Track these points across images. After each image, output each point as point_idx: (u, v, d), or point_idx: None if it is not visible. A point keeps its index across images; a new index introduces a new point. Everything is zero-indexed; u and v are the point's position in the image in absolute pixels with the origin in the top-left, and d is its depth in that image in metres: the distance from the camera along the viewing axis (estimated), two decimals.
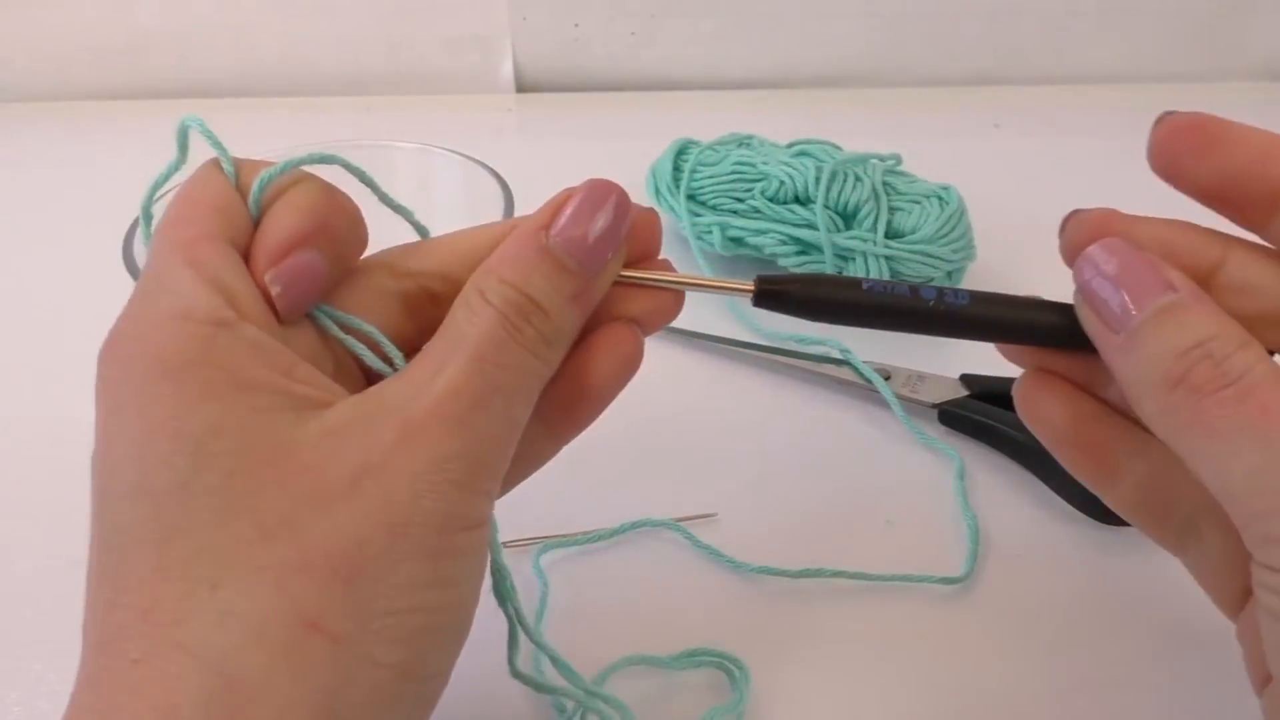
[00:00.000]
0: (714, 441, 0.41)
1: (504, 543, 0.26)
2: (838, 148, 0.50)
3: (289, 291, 0.23)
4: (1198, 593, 0.33)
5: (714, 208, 0.49)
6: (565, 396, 0.25)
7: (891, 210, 0.45)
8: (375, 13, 0.72)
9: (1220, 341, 0.22)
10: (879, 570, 0.34)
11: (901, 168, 0.49)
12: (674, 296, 0.26)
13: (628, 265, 0.26)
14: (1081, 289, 0.24)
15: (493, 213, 0.37)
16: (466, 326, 0.23)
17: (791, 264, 0.47)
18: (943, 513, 0.37)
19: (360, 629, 0.20)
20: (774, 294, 0.25)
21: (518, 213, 0.37)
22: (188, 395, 0.21)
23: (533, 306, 0.23)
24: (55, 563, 0.35)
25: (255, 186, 0.24)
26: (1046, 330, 0.26)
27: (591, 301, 0.25)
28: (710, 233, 0.48)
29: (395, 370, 0.24)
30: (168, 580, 0.20)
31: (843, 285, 0.25)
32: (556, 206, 0.25)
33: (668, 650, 0.31)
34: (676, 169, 0.51)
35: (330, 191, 0.25)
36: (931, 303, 0.25)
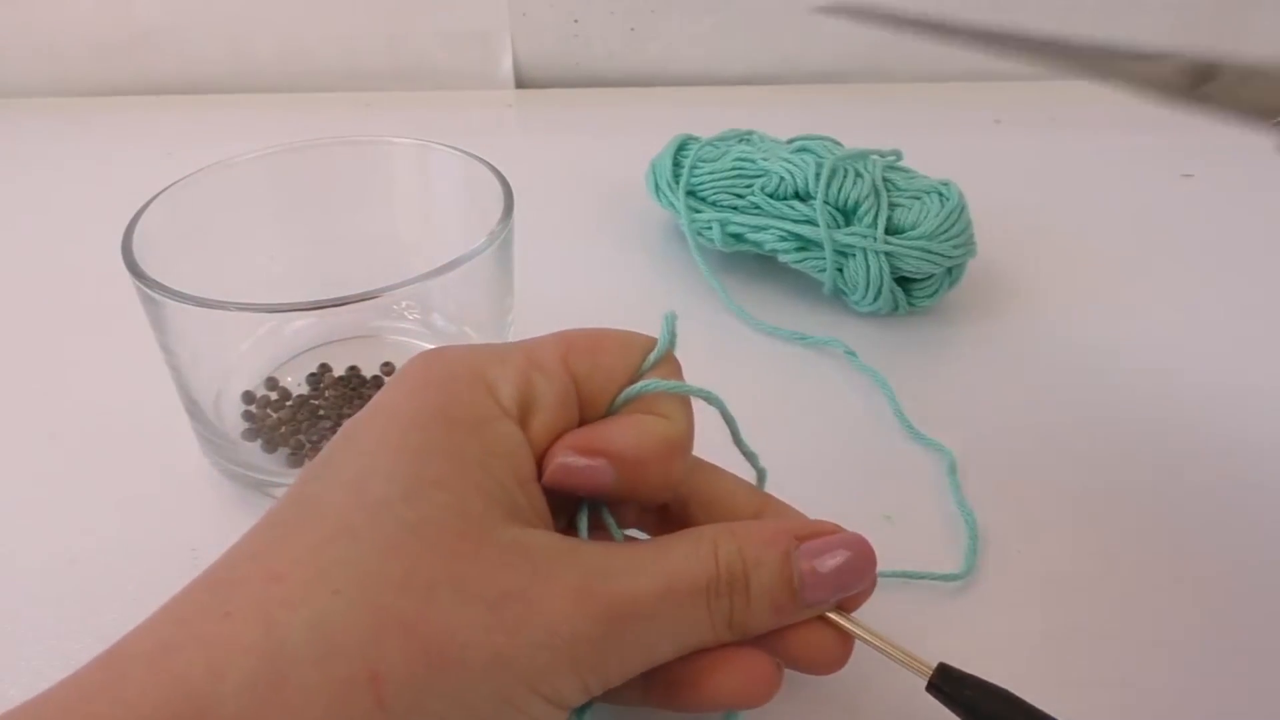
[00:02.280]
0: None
1: None
2: (838, 143, 0.50)
3: (557, 473, 0.25)
4: (1200, 589, 0.33)
5: (714, 204, 0.49)
6: (679, 680, 0.25)
7: (892, 206, 0.45)
8: (374, 8, 0.71)
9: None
10: (880, 567, 0.34)
11: (902, 163, 0.49)
12: (835, 657, 0.26)
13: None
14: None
15: (492, 209, 0.37)
16: (683, 559, 0.24)
17: (791, 260, 0.47)
18: (942, 508, 0.37)
19: (408, 712, 0.21)
20: (947, 689, 0.25)
21: (517, 210, 0.37)
22: (445, 443, 0.23)
23: (743, 588, 0.24)
24: (54, 560, 0.35)
25: (634, 387, 0.26)
26: None
27: (788, 620, 0.26)
28: (710, 229, 0.48)
29: None
30: (307, 567, 0.21)
31: (1023, 712, 0.25)
32: (823, 531, 0.26)
33: None
34: (676, 165, 0.51)
35: (675, 447, 0.26)
36: None
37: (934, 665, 0.26)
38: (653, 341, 0.27)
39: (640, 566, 0.24)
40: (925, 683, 0.26)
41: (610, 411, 0.26)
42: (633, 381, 0.26)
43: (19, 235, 0.56)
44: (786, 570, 0.25)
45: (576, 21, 0.73)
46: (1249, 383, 0.43)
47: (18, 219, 0.58)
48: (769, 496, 0.29)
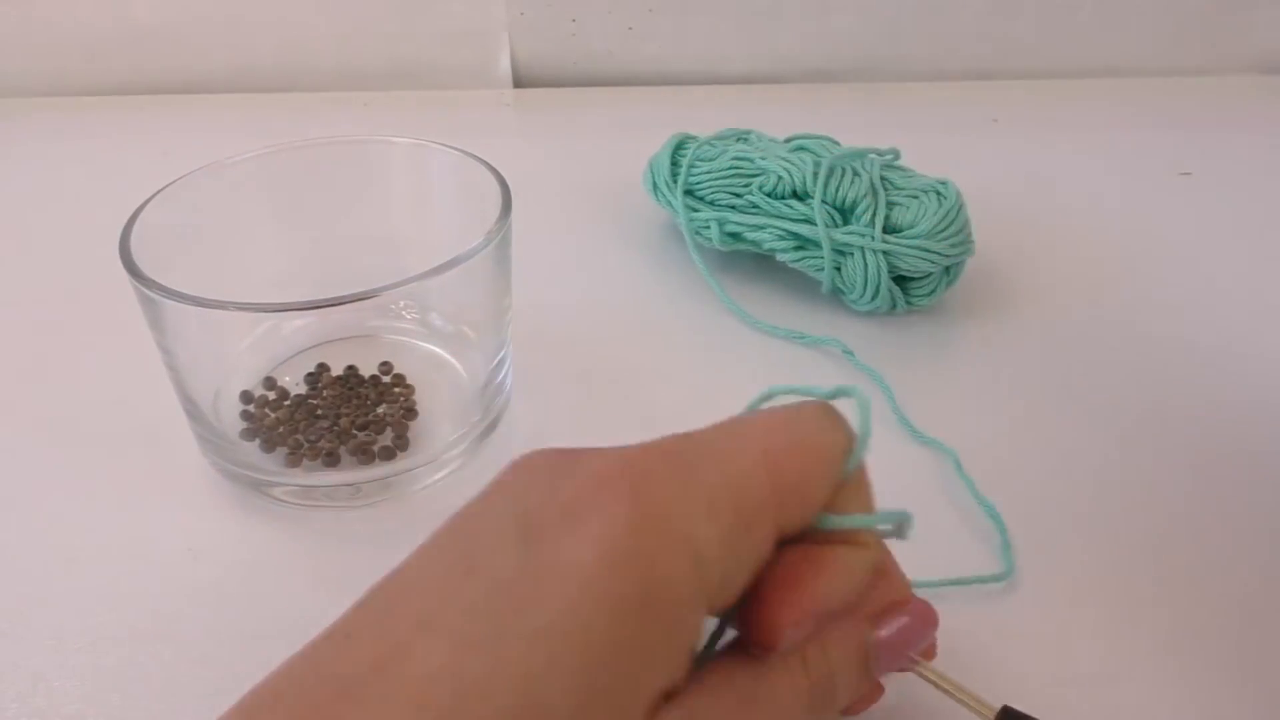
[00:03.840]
0: None
1: None
2: (835, 142, 0.50)
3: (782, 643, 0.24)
4: (1199, 587, 0.33)
5: (712, 203, 0.49)
6: None
7: (889, 205, 0.45)
8: (373, 8, 0.71)
9: None
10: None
11: (899, 162, 0.49)
12: (868, 699, 0.27)
13: None
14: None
15: (490, 208, 0.37)
16: (788, 693, 0.24)
17: (790, 259, 0.47)
18: (941, 507, 0.37)
19: None
20: None
21: (515, 209, 0.37)
22: (632, 644, 0.20)
23: (830, 691, 0.25)
24: (53, 562, 0.35)
25: (837, 520, 0.24)
26: None
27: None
28: (708, 228, 0.48)
29: None
30: (412, 660, 0.20)
31: None
32: (893, 613, 0.26)
33: None
34: (674, 164, 0.51)
35: (879, 573, 0.26)
36: None
37: (997, 707, 0.26)
38: (849, 443, 0.25)
39: (751, 712, 0.24)
40: None
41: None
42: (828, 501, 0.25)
43: (17, 235, 0.56)
44: (863, 658, 0.26)
45: (574, 20, 0.73)
46: (1249, 380, 0.43)
47: (15, 219, 0.58)
48: (883, 559, 0.28)
